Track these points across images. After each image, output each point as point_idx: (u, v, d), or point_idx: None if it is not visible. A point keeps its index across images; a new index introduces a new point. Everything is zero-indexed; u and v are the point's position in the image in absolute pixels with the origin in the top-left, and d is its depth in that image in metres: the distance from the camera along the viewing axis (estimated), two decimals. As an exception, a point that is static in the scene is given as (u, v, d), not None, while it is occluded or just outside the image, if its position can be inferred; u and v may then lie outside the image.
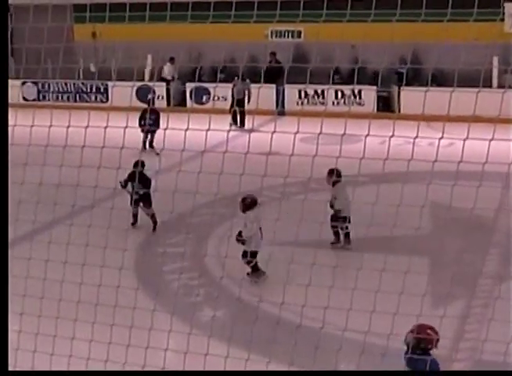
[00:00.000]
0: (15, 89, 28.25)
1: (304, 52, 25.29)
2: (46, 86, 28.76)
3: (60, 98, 28.46)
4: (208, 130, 6.64)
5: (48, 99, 28.43)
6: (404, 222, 7.39)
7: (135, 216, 13.06)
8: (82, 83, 28.30)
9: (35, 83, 28.70)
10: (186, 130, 6.60)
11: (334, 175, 11.20)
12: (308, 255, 7.00)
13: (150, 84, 26.24)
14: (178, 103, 26.73)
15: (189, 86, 26.45)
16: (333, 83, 24.86)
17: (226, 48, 23.53)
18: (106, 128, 6.90)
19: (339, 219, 11.73)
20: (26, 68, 25.16)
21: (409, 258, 6.68)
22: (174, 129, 6.69)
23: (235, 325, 7.97)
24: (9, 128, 7.32)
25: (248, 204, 10.76)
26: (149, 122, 17.52)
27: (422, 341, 6.51)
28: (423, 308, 6.46)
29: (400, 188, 6.66)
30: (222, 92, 24.36)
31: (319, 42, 22.71)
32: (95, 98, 27.84)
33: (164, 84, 26.79)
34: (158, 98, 26.46)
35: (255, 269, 10.80)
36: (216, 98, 25.21)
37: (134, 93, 25.76)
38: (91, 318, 6.93)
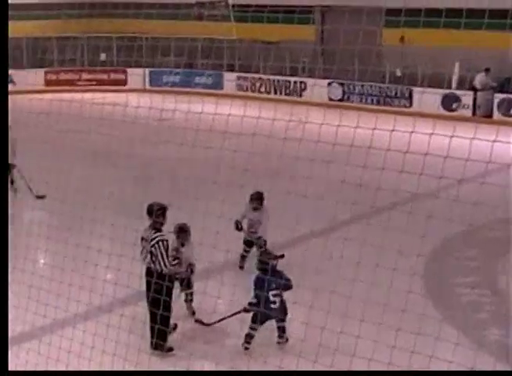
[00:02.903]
0: (322, 89, 29.22)
1: None
2: (351, 87, 29.31)
3: (364, 100, 28.85)
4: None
5: (352, 101, 28.97)
6: None
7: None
8: (387, 87, 28.49)
9: (341, 84, 29.38)
10: (494, 141, 6.39)
11: None
12: None
13: (457, 92, 25.87)
14: (484, 113, 26.03)
15: (498, 97, 25.64)
16: None
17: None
18: (411, 133, 6.86)
19: None
20: (331, 69, 25.86)
21: None
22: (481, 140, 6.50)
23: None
24: (317, 127, 7.53)
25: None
26: None
27: None
28: None
29: None
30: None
31: None
32: (399, 103, 27.89)
33: (472, 93, 26.20)
34: (464, 107, 25.98)
35: None
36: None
37: (439, 101, 25.58)
38: (378, 319, 6.96)
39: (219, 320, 9.23)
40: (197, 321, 9.67)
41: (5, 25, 6.40)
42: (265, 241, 11.42)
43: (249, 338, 8.97)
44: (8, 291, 6.11)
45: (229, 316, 9.05)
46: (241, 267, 11.78)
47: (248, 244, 11.72)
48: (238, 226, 11.37)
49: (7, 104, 6.31)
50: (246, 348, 8.95)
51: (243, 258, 11.81)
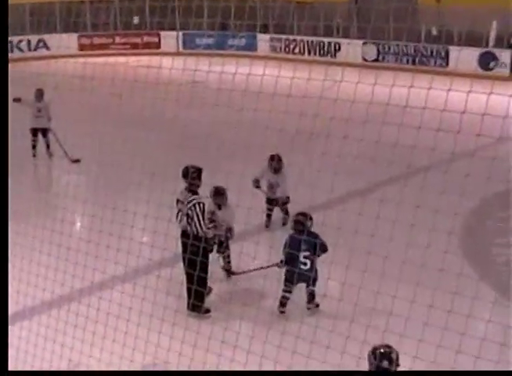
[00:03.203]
0: (357, 49, 28.94)
1: None
2: (386, 47, 28.99)
3: (399, 60, 28.52)
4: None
5: (387, 61, 28.65)
6: None
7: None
8: (423, 46, 28.13)
9: (376, 44, 29.06)
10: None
11: None
12: None
13: (494, 50, 25.47)
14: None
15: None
16: None
17: None
18: (448, 91, 6.76)
19: None
20: (366, 29, 25.57)
21: None
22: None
23: None
24: (352, 87, 7.43)
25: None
26: None
27: None
28: None
29: None
30: None
31: None
32: (435, 62, 27.54)
33: (510, 51, 25.77)
34: (500, 66, 25.59)
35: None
36: None
37: (476, 59, 25.22)
38: (415, 279, 6.93)
39: (248, 271, 9.29)
40: (226, 271, 9.79)
41: (5, 23, 6.35)
42: (288, 198, 11.61)
43: (284, 299, 8.99)
44: (8, 289, 6.10)
45: (259, 269, 9.08)
46: (267, 226, 11.93)
47: (270, 202, 11.91)
48: (256, 185, 11.48)
49: (7, 92, 6.29)
50: (282, 312, 8.98)
51: (268, 217, 12.00)
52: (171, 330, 7.41)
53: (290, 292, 8.96)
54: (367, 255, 7.05)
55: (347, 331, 6.70)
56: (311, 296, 9.03)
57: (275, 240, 9.87)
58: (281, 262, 8.93)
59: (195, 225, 8.81)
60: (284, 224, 11.69)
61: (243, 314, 8.14)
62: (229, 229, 9.84)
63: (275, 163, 11.53)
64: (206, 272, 8.69)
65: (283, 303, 8.99)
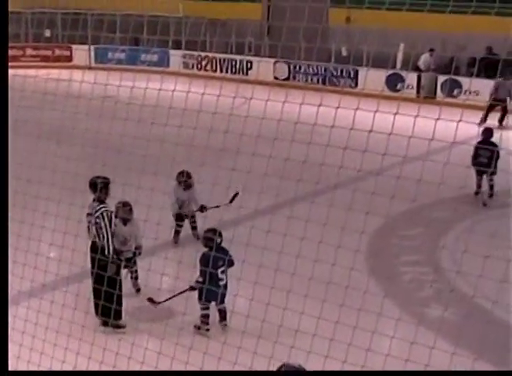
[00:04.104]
0: (268, 68, 29.22)
1: None
2: (297, 67, 29.35)
3: (310, 80, 28.92)
4: (459, 121, 6.47)
5: (298, 80, 29.01)
6: None
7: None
8: (333, 66, 28.61)
9: (287, 63, 29.40)
10: (437, 119, 6.47)
11: None
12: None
13: (401, 72, 26.10)
14: (427, 94, 26.33)
15: (442, 78, 25.94)
16: None
17: (486, 41, 22.81)
18: (356, 109, 6.89)
19: None
20: (277, 48, 25.84)
21: None
22: (426, 117, 6.56)
23: (464, 325, 7.77)
24: (262, 104, 7.51)
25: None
26: (484, 161, 12.97)
27: None
28: None
29: None
30: (476, 86, 23.56)
31: None
32: (344, 82, 28.03)
33: (417, 73, 26.47)
34: (408, 87, 26.24)
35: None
36: (468, 92, 24.52)
37: (384, 80, 25.76)
38: (321, 295, 7.03)
39: (167, 299, 9.22)
40: (149, 300, 9.64)
41: (5, 22, 6.43)
42: (205, 207, 11.74)
43: (206, 317, 8.97)
44: (8, 290, 6.01)
45: (177, 295, 9.03)
46: (175, 242, 11.92)
47: (179, 218, 11.95)
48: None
49: (7, 102, 6.24)
50: (208, 330, 8.97)
51: (176, 233, 12.02)
52: (78, 347, 7.31)
53: (208, 309, 8.97)
54: (275, 272, 7.13)
55: (255, 348, 6.75)
56: (224, 313, 9.05)
57: (184, 255, 9.83)
58: (197, 282, 8.88)
59: (103, 237, 8.75)
60: (199, 238, 11.75)
61: (150, 330, 8.09)
62: (138, 247, 9.79)
63: (186, 179, 11.59)
64: (115, 288, 8.60)
65: (205, 321, 8.98)
